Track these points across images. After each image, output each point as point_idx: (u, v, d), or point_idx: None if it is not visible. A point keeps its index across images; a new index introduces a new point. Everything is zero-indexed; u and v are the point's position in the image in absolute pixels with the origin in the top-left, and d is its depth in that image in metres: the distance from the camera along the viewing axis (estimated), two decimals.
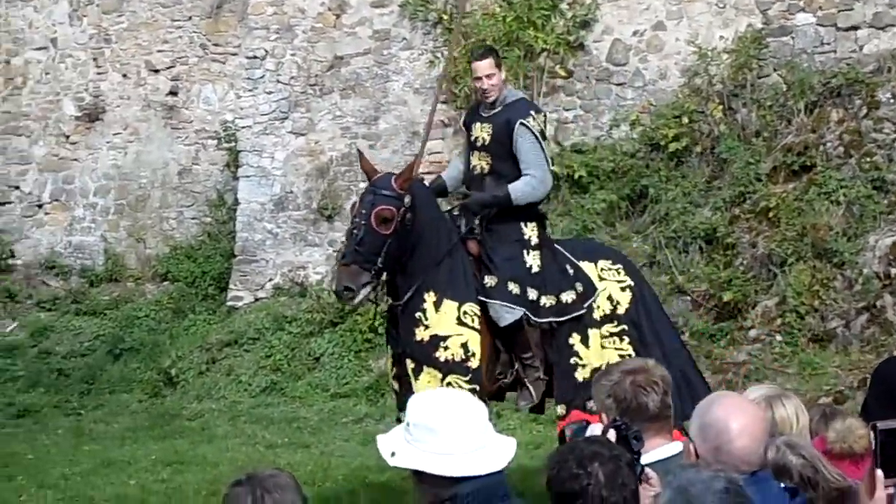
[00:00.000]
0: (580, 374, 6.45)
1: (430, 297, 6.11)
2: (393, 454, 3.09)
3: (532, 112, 6.63)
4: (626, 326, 6.59)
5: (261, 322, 12.54)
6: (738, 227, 10.93)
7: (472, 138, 6.64)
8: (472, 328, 6.13)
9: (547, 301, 6.45)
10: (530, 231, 6.57)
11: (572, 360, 6.47)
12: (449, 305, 6.11)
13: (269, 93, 13.92)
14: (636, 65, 12.77)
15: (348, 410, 10.74)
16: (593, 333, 6.54)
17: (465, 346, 6.07)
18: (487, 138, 6.56)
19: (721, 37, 12.25)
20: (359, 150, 7.25)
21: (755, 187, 10.96)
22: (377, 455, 8.28)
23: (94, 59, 15.22)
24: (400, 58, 13.51)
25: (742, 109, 11.74)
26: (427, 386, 5.99)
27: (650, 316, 6.72)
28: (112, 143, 15.16)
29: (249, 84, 14.03)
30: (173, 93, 14.97)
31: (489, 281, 6.31)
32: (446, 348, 6.05)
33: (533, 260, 6.48)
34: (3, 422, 11.24)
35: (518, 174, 6.47)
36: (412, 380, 6.14)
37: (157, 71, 15.03)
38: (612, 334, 6.56)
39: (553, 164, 11.91)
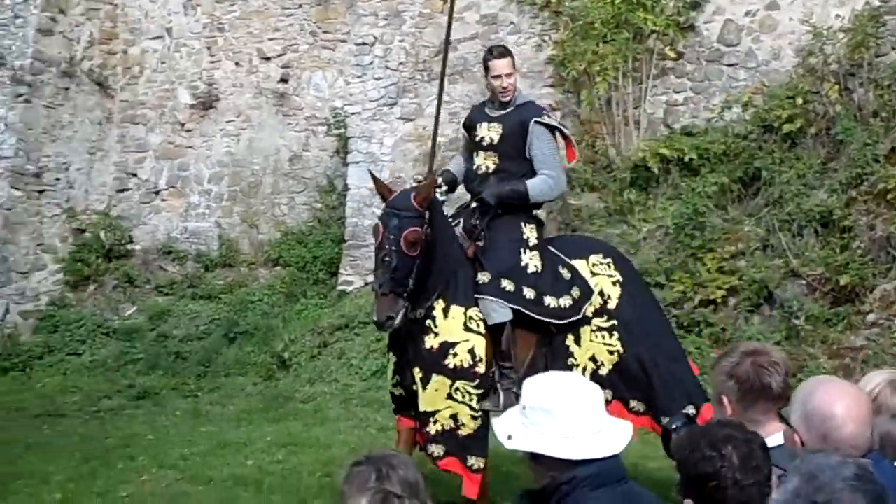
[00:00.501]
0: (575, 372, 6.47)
1: (439, 305, 6.03)
2: (509, 437, 3.11)
3: (545, 112, 6.69)
4: (615, 321, 6.56)
5: (370, 306, 12.61)
6: (854, 210, 10.65)
7: (478, 138, 6.54)
8: (479, 333, 6.04)
9: (551, 302, 6.37)
10: (529, 232, 6.52)
11: (568, 362, 6.44)
12: (456, 311, 6.04)
13: (378, 79, 14.03)
14: (748, 45, 12.55)
15: None
16: (584, 330, 6.50)
17: (472, 351, 5.99)
18: (496, 137, 6.49)
19: (837, 15, 11.95)
20: (370, 172, 7.09)
21: (873, 169, 10.67)
22: (490, 437, 8.30)
23: (208, 48, 15.54)
24: (507, 42, 13.46)
25: (859, 89, 11.43)
26: (434, 394, 5.95)
27: (639, 309, 6.69)
28: (225, 130, 15.46)
29: (358, 70, 14.16)
30: (284, 80, 15.19)
31: (482, 277, 6.22)
32: (455, 355, 5.96)
33: (531, 260, 6.39)
34: (124, 403, 11.54)
35: (524, 174, 6.45)
36: (419, 388, 6.01)
37: (268, 59, 15.27)
38: (600, 328, 6.52)
39: (660, 147, 11.95)
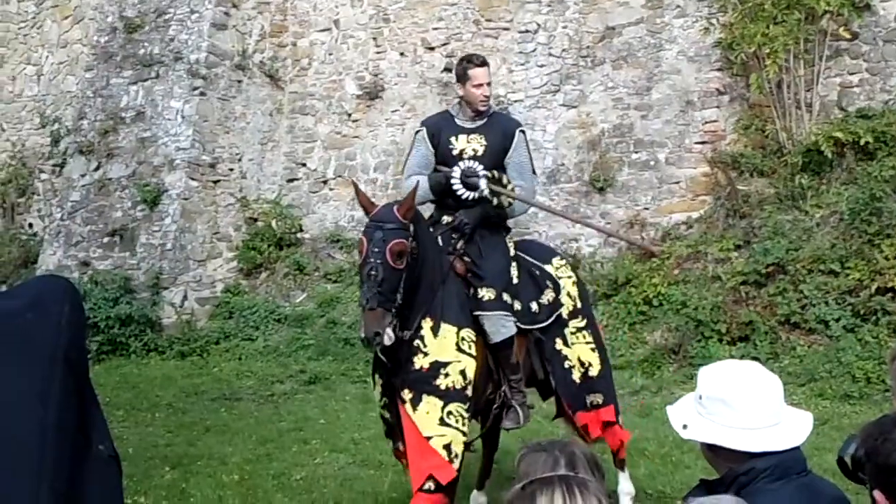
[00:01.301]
0: (575, 376, 6.41)
1: (427, 324, 5.73)
2: (685, 426, 3.08)
3: (522, 123, 6.58)
4: (586, 319, 6.58)
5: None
6: None
7: (455, 151, 6.24)
8: (470, 355, 5.79)
9: (536, 307, 6.28)
10: (509, 242, 6.45)
11: (566, 365, 6.37)
12: (447, 330, 5.76)
13: (541, 66, 14.01)
14: None
15: (624, 382, 10.68)
16: (567, 332, 6.43)
17: (463, 373, 5.73)
18: (480, 149, 6.25)
19: None
20: (354, 182, 6.68)
21: None
22: (655, 427, 8.23)
23: (374, 39, 15.79)
24: (673, 26, 13.29)
25: None
26: (426, 417, 5.65)
27: (589, 309, 6.81)
28: (390, 119, 15.68)
29: (521, 58, 14.17)
30: (448, 69, 15.28)
31: (486, 294, 6.00)
32: (447, 375, 5.69)
33: (514, 270, 6.28)
34: (296, 388, 11.85)
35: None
36: (410, 410, 5.70)
37: (432, 48, 15.41)
38: (579, 329, 6.49)
39: (834, 131, 11.58)
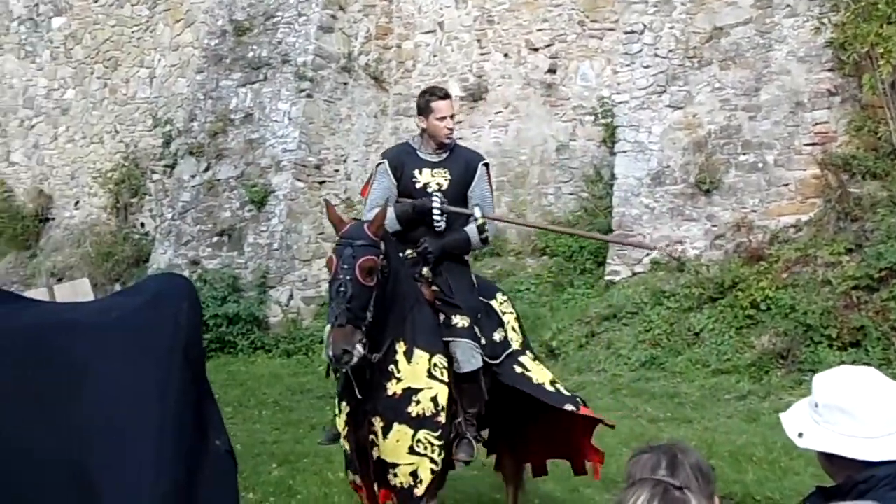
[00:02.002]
0: (548, 388, 6.20)
1: (400, 348, 5.60)
2: (800, 435, 3.03)
3: (484, 156, 6.42)
4: (534, 356, 6.52)
5: (639, 296, 12.54)
6: None
7: (419, 185, 6.09)
8: (441, 381, 5.65)
9: (497, 339, 6.16)
10: (471, 275, 6.34)
11: (535, 380, 6.18)
12: (420, 356, 5.63)
13: (647, 67, 13.87)
14: None
15: (730, 387, 10.55)
16: (525, 360, 6.27)
17: (434, 399, 5.60)
18: (444, 183, 6.10)
19: None
20: (325, 201, 6.43)
21: None
22: (762, 432, 8.10)
23: (478, 41, 15.84)
24: (783, 26, 13.04)
25: None
26: (396, 445, 5.53)
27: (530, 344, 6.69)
28: (493, 121, 15.71)
29: (627, 59, 14.05)
30: (552, 70, 15.28)
31: (460, 321, 5.87)
32: (418, 402, 5.56)
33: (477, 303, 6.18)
34: None
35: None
36: (379, 438, 5.56)
37: (536, 49, 15.40)
38: (533, 360, 6.37)
39: None
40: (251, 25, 16.44)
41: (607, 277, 13.45)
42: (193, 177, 16.22)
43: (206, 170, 16.12)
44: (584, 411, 6.25)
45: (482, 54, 15.87)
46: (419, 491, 5.56)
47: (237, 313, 14.14)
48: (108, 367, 3.22)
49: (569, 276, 13.89)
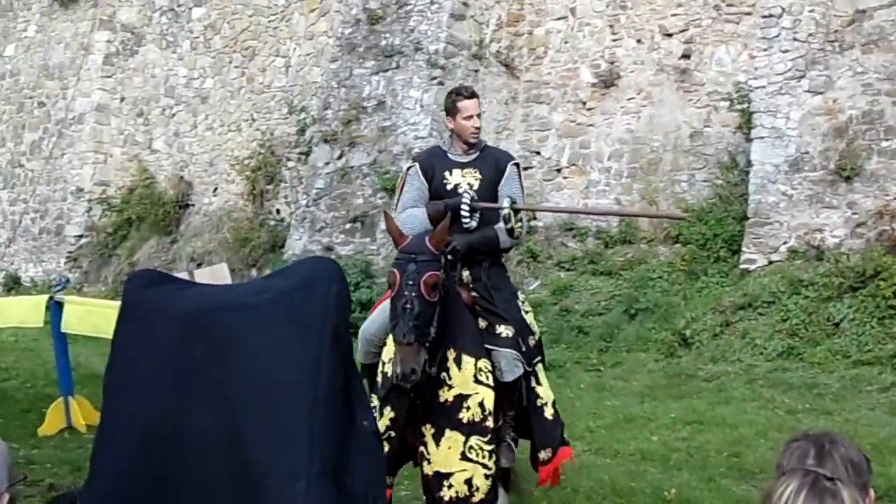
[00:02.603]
0: (547, 413, 5.97)
1: (451, 355, 5.53)
2: None
3: (514, 157, 6.30)
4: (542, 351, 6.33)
5: (775, 285, 12.30)
6: None
7: (450, 186, 6.01)
8: (487, 385, 5.55)
9: (532, 345, 5.95)
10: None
11: (538, 402, 5.94)
12: (467, 361, 5.55)
13: (785, 51, 13.55)
14: None
15: (872, 378, 10.27)
16: (538, 369, 6.01)
17: (482, 404, 5.52)
18: (475, 183, 5.99)
19: None
20: (385, 213, 6.18)
21: None
22: None
23: (610, 27, 15.69)
24: None
25: None
26: (448, 452, 5.46)
27: None
28: (626, 108, 15.55)
29: (764, 43, 13.74)
30: (686, 56, 15.04)
31: (504, 331, 5.74)
32: (468, 408, 5.50)
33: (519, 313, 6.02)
34: None
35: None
36: (430, 447, 5.51)
37: (670, 35, 15.18)
38: (539, 362, 6.10)
39: None
40: (384, 14, 16.60)
41: (742, 266, 13.20)
42: (327, 164, 16.48)
43: (340, 157, 16.36)
44: (555, 462, 6.13)
45: (614, 40, 15.71)
46: (476, 499, 5.53)
47: (370, 299, 14.30)
48: (261, 346, 3.32)
49: (702, 264, 13.68)
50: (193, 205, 19.84)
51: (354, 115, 16.48)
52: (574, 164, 15.93)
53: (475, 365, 5.57)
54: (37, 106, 22.09)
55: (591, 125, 15.87)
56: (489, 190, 6.02)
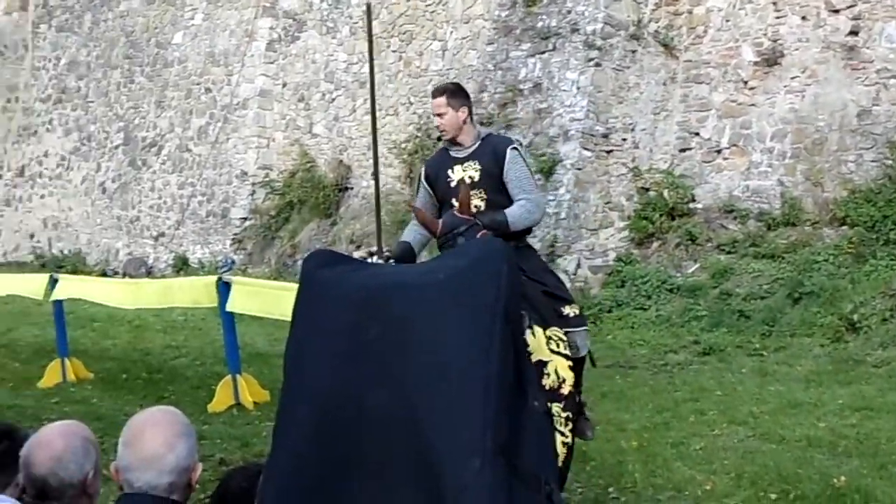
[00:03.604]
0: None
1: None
2: None
3: (514, 141, 6.37)
4: None
5: None
6: None
7: (454, 184, 6.10)
8: (560, 354, 5.63)
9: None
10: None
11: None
12: (538, 329, 5.59)
13: None
14: None
15: None
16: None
17: (557, 372, 5.59)
18: (477, 175, 6.07)
19: None
20: (411, 205, 6.48)
21: None
22: None
23: (773, 3, 15.28)
24: None
25: None
26: None
27: None
28: (789, 86, 15.13)
29: None
30: (854, 32, 14.54)
31: (570, 311, 5.84)
32: (548, 375, 5.56)
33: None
34: (689, 358, 11.78)
35: (511, 203, 5.99)
36: None
37: (836, 11, 14.69)
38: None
39: None
40: None
41: None
42: None
43: None
44: None
45: (778, 17, 15.29)
46: (556, 462, 5.48)
47: None
48: (434, 326, 3.37)
49: (871, 246, 13.22)
50: (352, 188, 20.19)
51: (510, 97, 16.50)
52: (735, 145, 15.60)
53: (545, 333, 5.66)
54: (203, 92, 22.82)
55: (752, 105, 15.50)
56: (491, 179, 6.08)
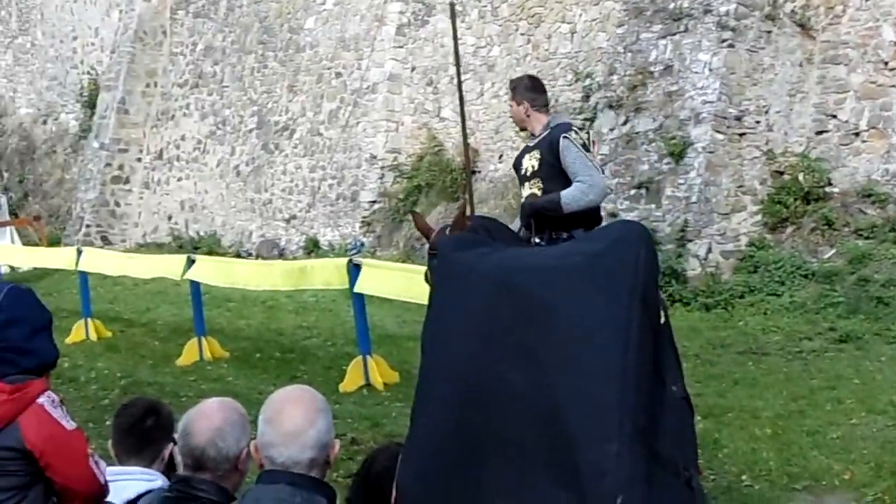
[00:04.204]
0: None
1: None
2: None
3: (573, 128, 6.49)
4: None
5: None
6: None
7: (522, 171, 6.54)
8: None
9: None
10: None
11: None
12: None
13: None
14: None
15: None
16: None
17: None
18: (536, 164, 6.44)
19: None
20: (412, 212, 6.98)
21: None
22: None
23: None
24: None
25: None
26: None
27: None
28: None
29: None
30: None
31: None
32: None
33: None
34: (825, 345, 11.49)
35: None
36: None
37: None
38: None
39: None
40: None
41: None
42: (612, 130, 16.39)
43: (625, 123, 16.23)
44: None
45: None
46: None
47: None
48: (571, 308, 3.37)
49: None
50: (480, 171, 20.21)
51: (640, 80, 16.28)
52: (874, 128, 15.12)
53: None
54: (334, 76, 23.12)
55: (893, 86, 15.00)
56: (549, 168, 6.38)
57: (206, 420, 3.21)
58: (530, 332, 3.36)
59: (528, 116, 6.63)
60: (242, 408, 3.31)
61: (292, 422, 2.90)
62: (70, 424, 3.65)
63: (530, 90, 6.71)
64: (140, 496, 3.79)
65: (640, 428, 3.20)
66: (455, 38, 6.88)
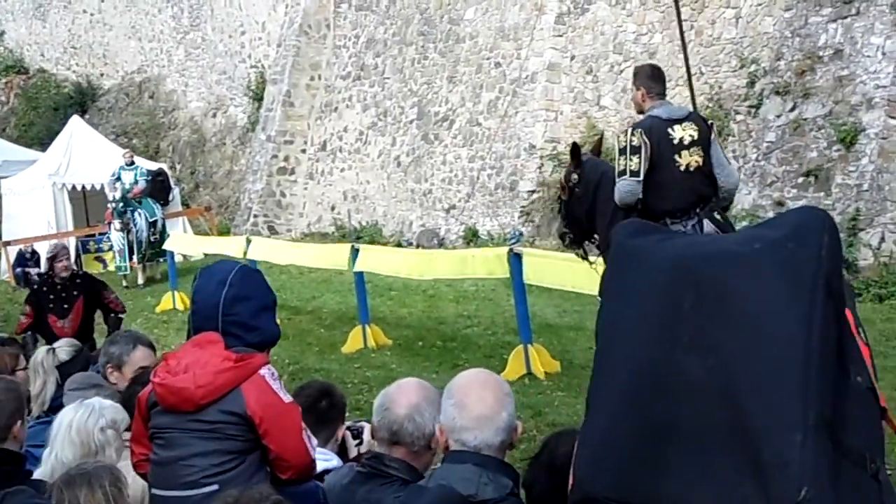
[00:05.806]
0: None
1: None
2: None
3: (631, 128, 7.24)
4: None
5: None
6: None
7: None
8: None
9: None
10: None
11: None
12: None
13: None
14: None
15: None
16: None
17: None
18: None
19: None
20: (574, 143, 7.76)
21: None
22: None
23: None
24: None
25: None
26: None
27: None
28: None
29: None
30: None
31: None
32: None
33: None
34: None
35: None
36: None
37: None
38: None
39: None
40: None
41: None
42: (779, 116, 16.00)
43: (792, 109, 15.82)
44: None
45: None
46: None
47: None
48: (753, 296, 3.30)
49: None
50: None
51: (809, 65, 15.84)
52: None
53: None
54: (493, 66, 23.18)
55: None
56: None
57: (406, 395, 3.29)
58: (710, 320, 3.31)
59: (644, 102, 7.30)
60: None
61: (484, 405, 2.94)
62: (287, 398, 3.80)
63: (649, 78, 7.32)
64: (318, 475, 3.90)
65: (825, 417, 3.11)
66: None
